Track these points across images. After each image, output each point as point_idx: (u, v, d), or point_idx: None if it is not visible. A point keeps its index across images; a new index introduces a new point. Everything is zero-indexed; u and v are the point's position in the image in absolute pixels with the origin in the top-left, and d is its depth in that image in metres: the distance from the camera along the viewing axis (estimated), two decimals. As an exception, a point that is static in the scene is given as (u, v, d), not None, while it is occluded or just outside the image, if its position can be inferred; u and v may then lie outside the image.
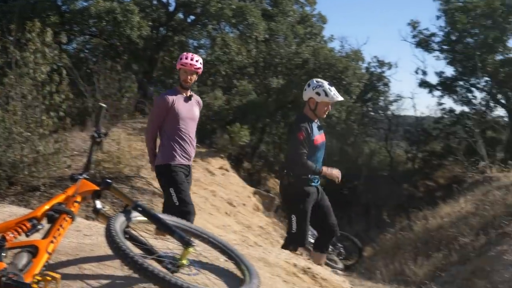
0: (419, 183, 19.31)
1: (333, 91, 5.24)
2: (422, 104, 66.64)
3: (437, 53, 19.71)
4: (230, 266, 2.99)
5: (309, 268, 3.58)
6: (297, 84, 14.26)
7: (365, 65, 19.43)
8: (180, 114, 5.16)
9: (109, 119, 9.28)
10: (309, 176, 5.18)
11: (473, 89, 19.48)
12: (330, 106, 5.38)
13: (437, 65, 22.86)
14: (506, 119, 19.59)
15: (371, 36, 69.18)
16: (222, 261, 3.09)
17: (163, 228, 2.90)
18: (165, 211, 5.12)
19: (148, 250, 2.85)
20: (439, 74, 19.54)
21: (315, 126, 5.28)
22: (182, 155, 5.24)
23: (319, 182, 5.31)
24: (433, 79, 20.18)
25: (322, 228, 5.42)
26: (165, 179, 5.29)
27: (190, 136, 5.32)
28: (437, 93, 19.78)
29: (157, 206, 6.94)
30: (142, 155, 7.97)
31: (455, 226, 8.52)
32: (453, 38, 18.32)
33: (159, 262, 2.73)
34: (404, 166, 19.92)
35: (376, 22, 72.23)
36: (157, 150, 5.35)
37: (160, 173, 5.33)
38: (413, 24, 19.65)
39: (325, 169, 5.19)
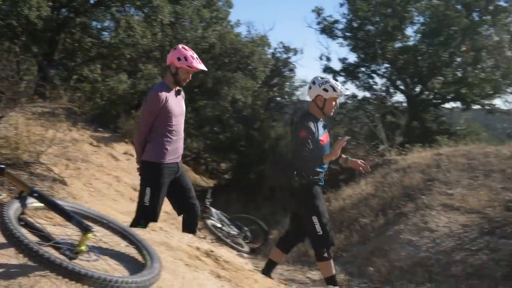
0: (326, 166, 19.68)
1: (339, 85, 5.23)
2: (327, 89, 68.09)
3: (340, 40, 20.19)
4: (131, 251, 2.96)
5: (211, 251, 3.60)
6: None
7: (271, 50, 19.61)
8: (172, 111, 5.05)
9: (6, 103, 8.86)
10: (319, 176, 5.19)
11: (374, 75, 20.12)
12: (337, 102, 5.32)
13: (341, 52, 23.52)
14: (404, 104, 20.36)
15: (278, 22, 69.88)
16: (123, 246, 3.05)
17: (60, 214, 2.83)
18: (137, 209, 5.21)
19: (45, 237, 2.77)
20: (343, 60, 20.06)
21: (320, 125, 5.24)
22: (173, 153, 5.16)
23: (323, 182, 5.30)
24: (336, 65, 20.70)
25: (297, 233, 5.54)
26: (146, 177, 5.17)
27: (180, 133, 5.22)
28: (341, 78, 20.26)
29: (58, 192, 6.74)
30: (41, 140, 7.67)
31: (356, 208, 8.80)
32: (355, 25, 18.83)
33: (57, 249, 2.66)
34: (309, 150, 20.28)
35: (282, 8, 73.06)
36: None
37: (144, 168, 5.19)
38: (318, 11, 20.02)
39: (343, 156, 5.25)
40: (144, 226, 5.10)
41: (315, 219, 5.15)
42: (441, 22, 16.57)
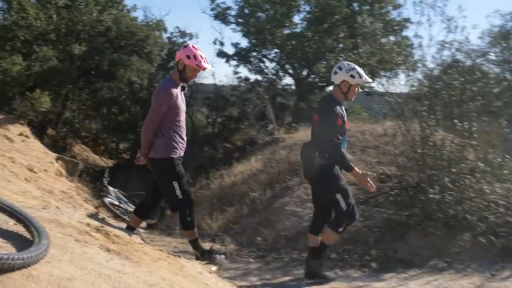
0: (219, 145, 19.78)
1: (364, 73, 5.24)
2: (220, 73, 67.92)
3: (233, 26, 20.22)
4: (20, 229, 2.86)
5: (102, 227, 3.55)
6: (100, 51, 13.87)
7: (167, 35, 19.32)
8: (180, 107, 5.11)
9: None
10: None
11: (265, 59, 20.32)
12: (359, 88, 5.33)
13: (234, 37, 23.56)
14: (293, 87, 20.80)
15: (174, 7, 68.68)
16: (11, 224, 2.95)
17: None
18: (168, 203, 5.47)
19: None
20: (235, 45, 20.10)
21: (343, 109, 5.25)
22: (181, 148, 5.19)
23: None
24: (230, 50, 20.73)
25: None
26: (168, 173, 5.17)
27: (184, 127, 5.30)
28: (234, 62, 20.33)
29: None
30: None
31: (246, 183, 8.94)
32: (247, 12, 18.90)
33: None
34: (204, 130, 20.28)
35: (179, -6, 71.91)
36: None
37: (161, 166, 5.18)
38: (211, -3, 19.96)
39: (356, 171, 5.17)
40: (190, 217, 5.37)
41: (338, 196, 5.18)
42: (325, 11, 17.06)
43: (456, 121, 7.34)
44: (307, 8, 18.61)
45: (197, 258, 5.34)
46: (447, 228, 6.35)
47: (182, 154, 5.27)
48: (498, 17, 23.44)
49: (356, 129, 10.24)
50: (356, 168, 5.17)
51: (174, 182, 5.14)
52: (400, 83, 8.21)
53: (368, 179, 5.18)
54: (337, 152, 5.10)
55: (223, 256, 5.62)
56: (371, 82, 5.46)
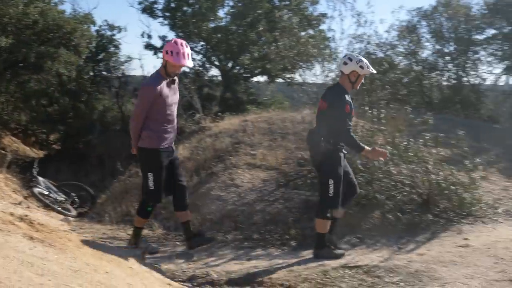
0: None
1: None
2: (149, 65, 66.70)
3: (161, 19, 19.92)
4: None
5: (26, 216, 3.46)
6: (27, 44, 13.35)
7: (96, 28, 18.83)
8: (166, 101, 5.07)
9: None
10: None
11: (192, 52, 20.14)
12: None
13: (161, 30, 23.16)
14: (219, 78, 20.81)
15: (102, 1, 66.54)
16: None
17: None
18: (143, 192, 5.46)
19: None
20: (162, 38, 19.86)
21: (350, 98, 5.39)
22: (168, 139, 5.26)
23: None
24: (157, 42, 20.40)
25: (348, 187, 5.54)
26: (146, 163, 5.30)
27: (174, 120, 5.32)
28: (161, 55, 20.05)
29: None
30: None
31: (174, 170, 8.87)
32: (173, 6, 18.68)
33: None
34: (135, 120, 19.90)
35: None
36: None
37: (143, 155, 5.28)
38: (138, -9, 19.57)
39: (367, 149, 5.39)
40: (151, 208, 5.52)
41: (330, 182, 5.29)
42: (247, 5, 17.12)
43: (366, 108, 7.58)
44: (231, 3, 18.63)
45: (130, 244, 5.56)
46: (359, 207, 6.57)
47: (168, 145, 5.30)
48: (405, 13, 24.30)
49: (277, 117, 10.36)
50: (366, 147, 5.43)
51: (149, 173, 5.24)
52: (316, 74, 8.39)
53: (378, 150, 5.53)
54: (348, 136, 5.35)
55: (148, 241, 5.65)
56: (375, 73, 5.62)
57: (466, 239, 5.78)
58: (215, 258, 5.78)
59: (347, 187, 5.53)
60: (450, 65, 17.81)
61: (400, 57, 17.38)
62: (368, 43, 9.21)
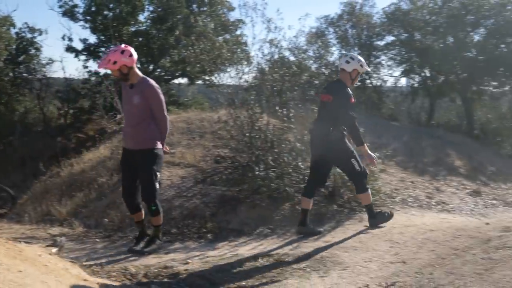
0: (72, 135, 18.87)
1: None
2: (71, 67, 64.23)
3: (82, 23, 19.19)
4: None
5: None
6: None
7: (16, 30, 17.91)
8: (123, 103, 5.48)
9: None
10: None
11: (113, 55, 19.58)
12: None
13: (83, 33, 22.31)
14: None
15: (22, 3, 63.27)
16: None
17: None
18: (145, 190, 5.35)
19: None
20: (84, 41, 19.11)
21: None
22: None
23: None
24: (78, 45, 19.65)
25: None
26: (154, 161, 5.28)
27: (128, 122, 5.52)
28: (83, 57, 19.37)
29: None
30: None
31: (95, 169, 8.63)
32: (94, 10, 18.07)
33: None
34: (57, 122, 19.19)
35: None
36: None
37: (154, 154, 5.27)
38: (59, -6, 18.76)
39: (366, 146, 5.80)
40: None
41: (353, 161, 5.67)
42: (167, 10, 16.88)
43: (277, 108, 7.71)
44: (151, 8, 18.23)
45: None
46: (271, 200, 6.67)
47: (124, 145, 5.57)
48: (314, 20, 24.83)
49: (196, 117, 10.33)
50: (366, 144, 5.84)
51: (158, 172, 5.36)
52: (231, 76, 8.41)
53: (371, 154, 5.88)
54: (354, 126, 5.71)
55: (63, 238, 5.45)
56: (370, 72, 6.17)
57: (366, 226, 6.01)
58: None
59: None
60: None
61: (311, 61, 17.78)
62: (281, 47, 9.33)
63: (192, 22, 11.07)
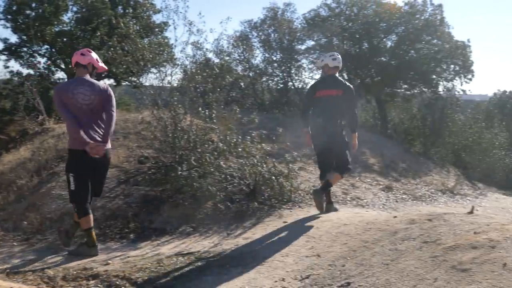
0: (-7, 137, 17.88)
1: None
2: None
3: (3, 22, 18.28)
4: None
5: None
6: None
7: None
8: None
9: None
10: None
11: (36, 55, 18.84)
12: None
13: (3, 33, 21.20)
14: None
15: None
16: None
17: None
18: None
19: None
20: (4, 40, 18.25)
21: None
22: None
23: None
24: (-1, 45, 18.71)
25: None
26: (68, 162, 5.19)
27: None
28: (4, 57, 18.48)
29: None
30: None
31: (14, 171, 8.20)
32: (15, 9, 17.26)
33: None
34: (-25, 123, 18.14)
35: None
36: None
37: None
38: None
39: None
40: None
41: (347, 152, 6.19)
42: (91, 11, 16.38)
43: (200, 109, 7.65)
44: (75, 8, 17.66)
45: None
46: (193, 199, 6.61)
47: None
48: (238, 23, 24.91)
49: (120, 117, 10.04)
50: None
51: None
52: (155, 78, 8.26)
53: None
54: (357, 116, 6.49)
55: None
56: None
57: (285, 222, 6.08)
58: (54, 256, 5.41)
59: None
60: (277, 71, 18.65)
61: (236, 63, 17.85)
62: (206, 50, 9.28)
63: (114, 23, 10.71)
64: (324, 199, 6.33)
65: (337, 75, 6.21)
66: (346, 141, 6.22)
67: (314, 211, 6.53)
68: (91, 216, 5.23)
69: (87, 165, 5.04)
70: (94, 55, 5.26)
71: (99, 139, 5.02)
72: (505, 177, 18.09)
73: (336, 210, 6.48)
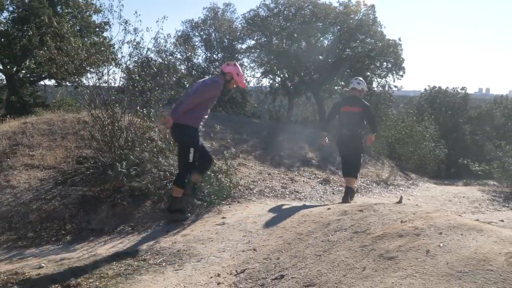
0: None
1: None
2: None
3: None
4: None
5: None
6: None
7: None
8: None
9: None
10: None
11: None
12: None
13: None
14: (4, 81, 18.86)
15: None
16: None
17: None
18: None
19: None
20: None
21: None
22: None
23: None
24: None
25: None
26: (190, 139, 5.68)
27: None
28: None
29: None
30: None
31: None
32: None
33: None
34: None
35: None
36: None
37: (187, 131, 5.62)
38: None
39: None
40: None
41: (361, 154, 7.46)
42: (28, 11, 15.65)
43: (138, 108, 7.43)
44: (11, 8, 16.80)
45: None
46: (132, 198, 6.41)
47: None
48: (180, 23, 24.61)
49: (58, 118, 9.67)
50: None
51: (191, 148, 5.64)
52: (92, 77, 7.97)
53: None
54: (376, 121, 8.00)
55: None
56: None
57: (224, 218, 5.98)
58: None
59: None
60: (219, 70, 18.60)
61: (179, 63, 17.60)
62: (148, 49, 9.00)
63: (47, 23, 10.27)
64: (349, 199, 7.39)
65: (358, 95, 7.43)
66: (362, 148, 7.43)
67: (252, 206, 6.47)
68: None
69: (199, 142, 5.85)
70: (236, 68, 6.00)
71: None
72: (436, 167, 18.76)
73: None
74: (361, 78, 7.66)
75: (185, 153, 5.66)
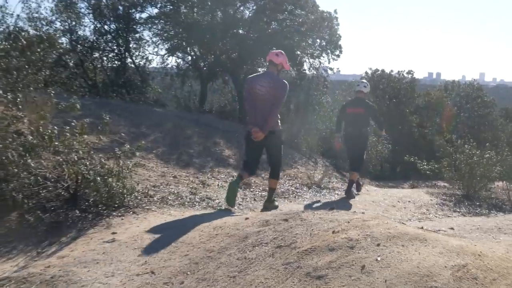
0: None
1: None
2: None
3: None
4: None
5: None
6: None
7: None
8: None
9: None
10: None
11: None
12: None
13: None
14: None
15: None
16: None
17: None
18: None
19: None
20: None
21: None
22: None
23: None
24: None
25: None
26: (280, 140, 7.56)
27: None
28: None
29: None
30: None
31: None
32: None
33: None
34: None
35: None
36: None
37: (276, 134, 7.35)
38: None
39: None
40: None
41: (365, 151, 10.16)
42: None
43: (1, 91, 7.06)
44: None
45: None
46: (-9, 210, 6.09)
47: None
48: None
49: None
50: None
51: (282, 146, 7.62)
52: None
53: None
54: (381, 120, 10.54)
55: None
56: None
57: (114, 233, 5.83)
58: None
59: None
60: (112, 45, 18.12)
61: (59, 34, 17.01)
62: (17, 16, 8.56)
63: None
64: (353, 195, 10.06)
65: (363, 96, 9.96)
66: (367, 145, 10.18)
67: (151, 217, 6.37)
68: None
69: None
70: (284, 57, 7.32)
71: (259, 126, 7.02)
72: (379, 166, 19.46)
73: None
74: (367, 82, 10.27)
75: (279, 152, 7.50)
